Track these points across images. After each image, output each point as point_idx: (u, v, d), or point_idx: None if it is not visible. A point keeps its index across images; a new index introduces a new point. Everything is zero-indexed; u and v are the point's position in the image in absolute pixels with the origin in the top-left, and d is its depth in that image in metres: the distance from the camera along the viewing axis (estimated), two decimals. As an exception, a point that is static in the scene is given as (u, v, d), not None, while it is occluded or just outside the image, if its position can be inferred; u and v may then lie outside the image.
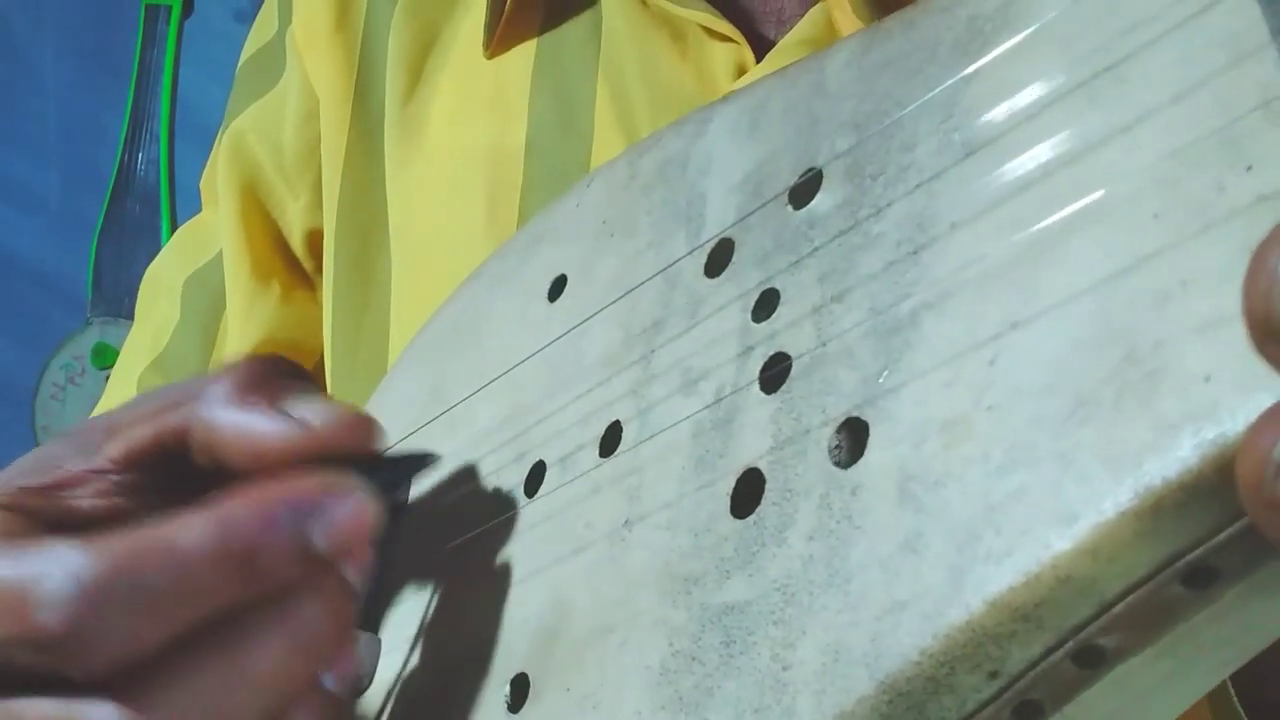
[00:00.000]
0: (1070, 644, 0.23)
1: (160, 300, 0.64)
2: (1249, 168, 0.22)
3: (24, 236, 1.92)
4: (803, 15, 0.50)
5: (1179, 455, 0.21)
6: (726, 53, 0.50)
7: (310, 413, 0.32)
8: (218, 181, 0.62)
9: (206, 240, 0.63)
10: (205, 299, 0.62)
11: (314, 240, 0.60)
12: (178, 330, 0.62)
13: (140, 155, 1.80)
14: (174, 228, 1.75)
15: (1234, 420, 0.21)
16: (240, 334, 0.60)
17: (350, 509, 0.30)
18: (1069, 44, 0.27)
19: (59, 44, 1.97)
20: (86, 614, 0.28)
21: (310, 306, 0.61)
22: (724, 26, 0.49)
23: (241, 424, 0.32)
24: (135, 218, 1.77)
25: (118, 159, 1.80)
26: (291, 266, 0.61)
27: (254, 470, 0.32)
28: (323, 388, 0.59)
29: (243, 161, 0.61)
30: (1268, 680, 0.41)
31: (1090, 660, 0.24)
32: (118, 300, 1.75)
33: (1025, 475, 0.24)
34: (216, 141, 0.63)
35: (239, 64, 0.64)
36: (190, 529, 0.29)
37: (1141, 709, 0.26)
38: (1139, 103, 0.25)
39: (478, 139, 0.54)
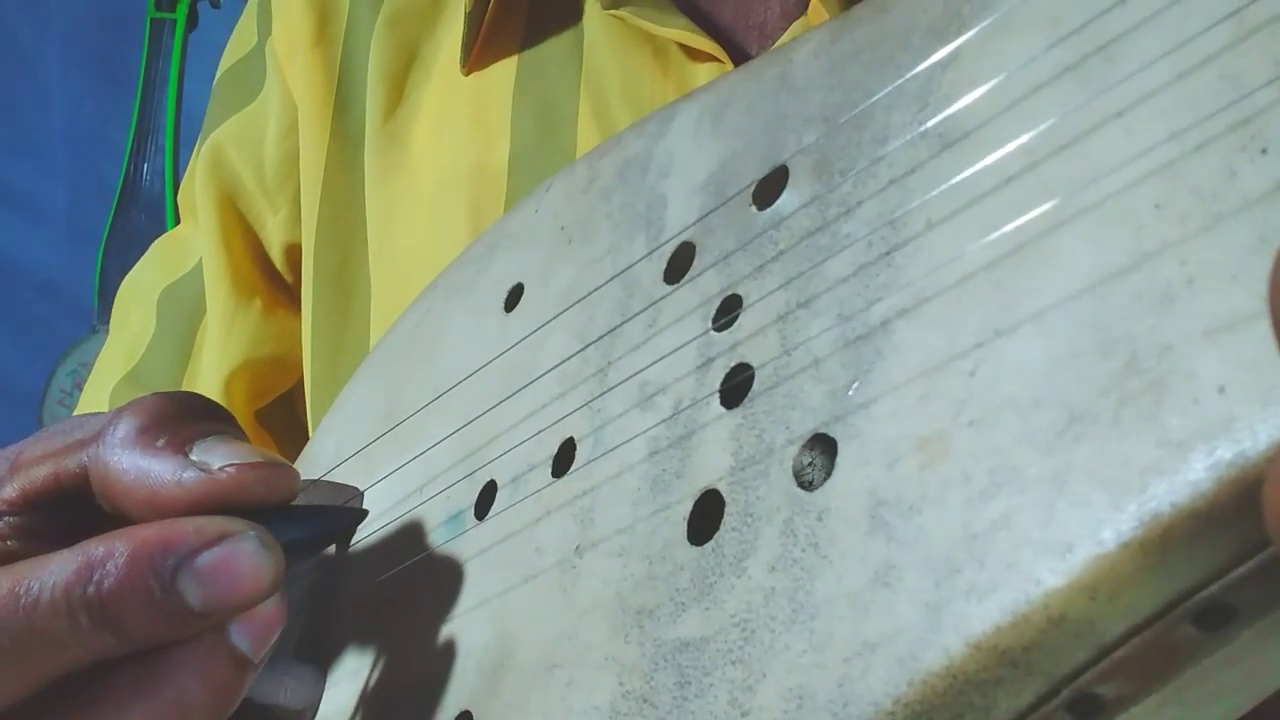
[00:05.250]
0: (1065, 693, 0.21)
1: (135, 313, 0.62)
2: (1264, 150, 0.19)
3: (31, 245, 1.92)
4: (785, 29, 0.49)
5: (1190, 478, 0.19)
6: (708, 70, 0.49)
7: (216, 458, 0.29)
8: (195, 194, 0.60)
9: (183, 253, 0.62)
10: (181, 312, 0.60)
11: (293, 254, 0.59)
12: (152, 344, 0.60)
13: (146, 166, 1.79)
14: (178, 236, 1.76)
15: (1254, 438, 0.18)
16: (221, 350, 0.58)
17: (231, 559, 0.27)
18: (1054, 23, 0.24)
19: (65, 56, 1.98)
20: None
21: (292, 321, 0.59)
22: (704, 43, 0.48)
23: (138, 467, 0.29)
24: (141, 227, 1.77)
25: (123, 169, 1.80)
26: (273, 281, 0.60)
27: (151, 519, 0.29)
28: (303, 404, 0.57)
29: (222, 174, 0.59)
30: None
31: (1087, 710, 0.21)
32: (123, 308, 1.77)
33: (1012, 499, 0.21)
34: (194, 154, 0.62)
35: (216, 76, 0.63)
36: (46, 569, 0.26)
37: None
38: (1134, 84, 0.22)
39: (460, 157, 0.53)
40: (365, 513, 0.36)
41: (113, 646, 0.26)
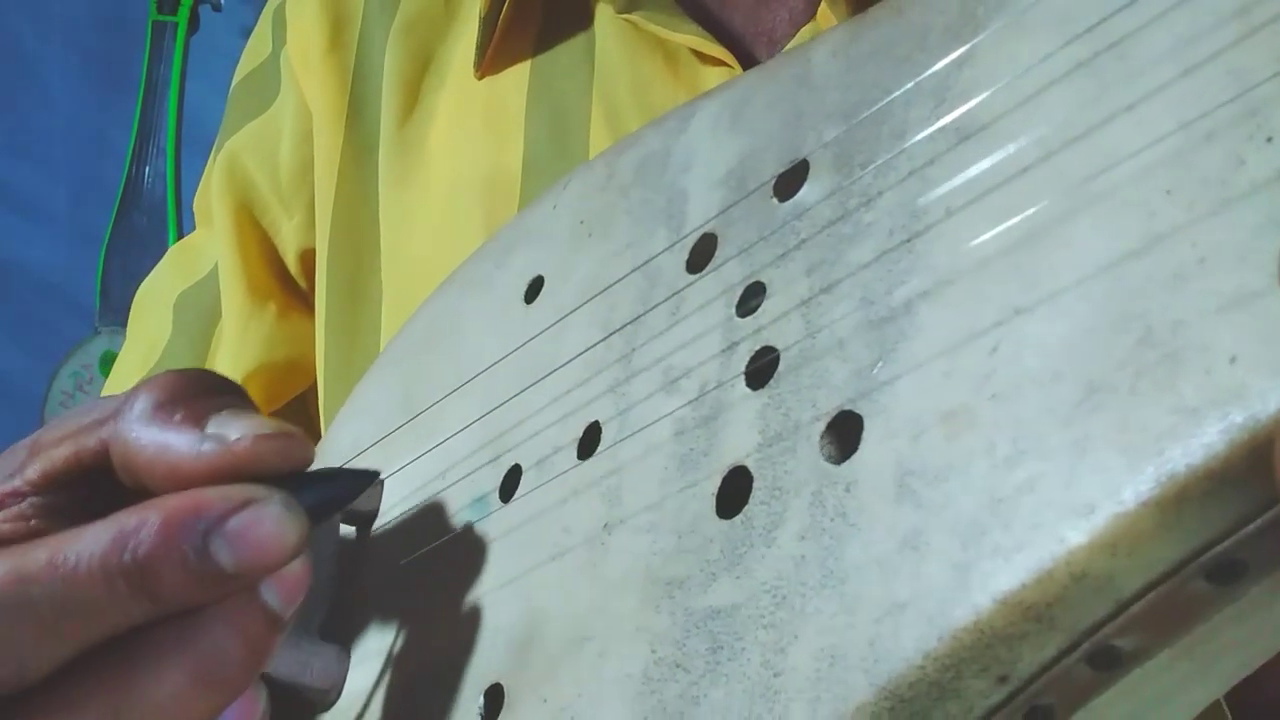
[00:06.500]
0: (1085, 645, 0.22)
1: (152, 318, 0.63)
2: (1269, 139, 0.21)
3: (33, 247, 1.92)
4: (793, 35, 0.50)
5: (1204, 441, 0.20)
6: (719, 75, 0.50)
7: (232, 429, 0.30)
8: (212, 201, 0.61)
9: (199, 259, 0.62)
10: (197, 316, 0.61)
11: (307, 259, 0.59)
12: (169, 347, 0.61)
13: (147, 168, 1.80)
14: (180, 239, 1.74)
15: (1265, 403, 0.20)
16: (236, 354, 0.59)
17: (258, 522, 0.28)
18: (1067, 23, 0.25)
19: (66, 58, 1.98)
20: None
21: (306, 325, 0.60)
22: (715, 49, 0.49)
23: (158, 441, 0.30)
24: (142, 229, 1.78)
25: (125, 172, 1.81)
26: (287, 286, 0.60)
27: (173, 491, 0.29)
28: (316, 407, 0.58)
29: (238, 181, 0.60)
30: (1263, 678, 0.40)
31: (1106, 663, 0.22)
32: (125, 310, 1.74)
33: (1035, 466, 0.22)
34: (210, 162, 0.63)
35: (232, 85, 0.64)
36: (82, 541, 0.27)
37: (1154, 717, 0.24)
38: (1145, 79, 0.23)
39: (474, 162, 0.53)
40: (376, 473, 0.36)
41: (149, 610, 0.27)
